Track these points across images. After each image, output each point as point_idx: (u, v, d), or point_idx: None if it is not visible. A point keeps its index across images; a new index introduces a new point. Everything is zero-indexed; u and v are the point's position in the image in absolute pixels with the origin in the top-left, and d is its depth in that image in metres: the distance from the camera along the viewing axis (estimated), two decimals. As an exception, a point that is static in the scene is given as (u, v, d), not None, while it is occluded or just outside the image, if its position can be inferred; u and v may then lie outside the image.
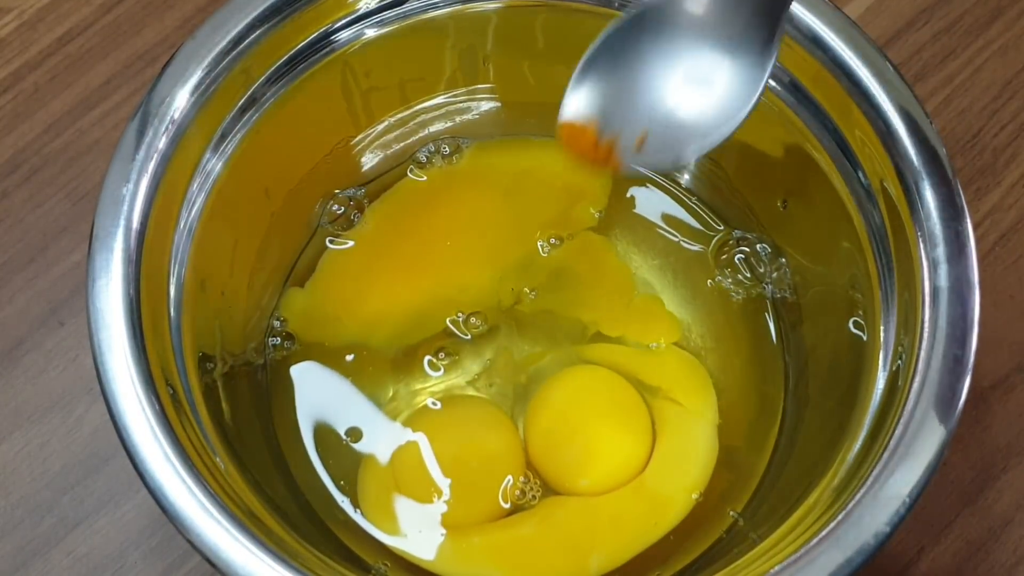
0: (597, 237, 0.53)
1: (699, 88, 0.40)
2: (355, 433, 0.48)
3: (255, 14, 0.42)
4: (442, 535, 0.46)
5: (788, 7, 0.37)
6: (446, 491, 0.47)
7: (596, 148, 0.40)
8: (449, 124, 0.54)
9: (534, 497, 0.47)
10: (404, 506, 0.47)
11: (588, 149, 0.40)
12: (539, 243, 0.52)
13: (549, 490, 0.48)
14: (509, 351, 0.50)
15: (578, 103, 0.40)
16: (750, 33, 0.38)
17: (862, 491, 0.36)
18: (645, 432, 0.48)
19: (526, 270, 0.52)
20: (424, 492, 0.47)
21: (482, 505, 0.47)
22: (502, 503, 0.47)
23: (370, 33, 0.47)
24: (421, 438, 0.48)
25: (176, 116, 0.41)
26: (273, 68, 0.45)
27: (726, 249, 0.52)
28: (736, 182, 0.51)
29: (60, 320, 0.54)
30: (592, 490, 0.47)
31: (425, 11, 0.47)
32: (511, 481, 0.47)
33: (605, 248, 0.52)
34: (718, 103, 0.39)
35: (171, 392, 0.38)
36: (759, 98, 0.39)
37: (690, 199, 0.53)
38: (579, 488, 0.47)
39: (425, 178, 0.53)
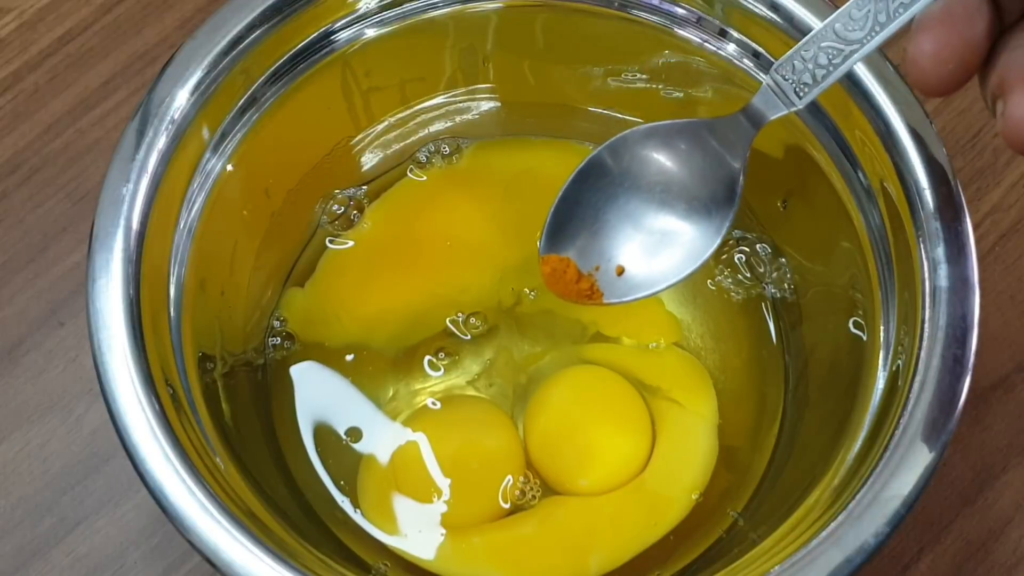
0: None
1: (667, 231, 0.41)
2: (355, 433, 0.48)
3: (255, 14, 0.42)
4: (442, 535, 0.46)
5: (743, 176, 0.39)
6: (446, 491, 0.47)
7: (577, 284, 0.42)
8: (449, 124, 0.54)
9: (534, 497, 0.47)
10: (404, 506, 0.47)
11: (569, 284, 0.42)
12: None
13: (549, 490, 0.47)
14: (509, 351, 0.50)
15: (554, 243, 0.42)
16: (715, 187, 0.40)
17: (862, 491, 0.36)
18: (645, 432, 0.48)
19: (526, 270, 0.52)
20: (424, 492, 0.47)
21: (482, 505, 0.47)
22: (502, 503, 0.47)
23: (370, 33, 0.47)
24: (421, 438, 0.48)
25: (176, 116, 0.41)
26: (273, 68, 0.45)
27: (726, 249, 0.52)
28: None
29: (60, 320, 0.54)
30: (592, 490, 0.47)
31: (425, 11, 0.47)
32: (511, 481, 0.47)
33: None
34: (685, 244, 0.41)
35: (171, 392, 0.38)
36: (721, 240, 0.41)
37: (690, 199, 0.53)
38: (579, 488, 0.47)
39: (425, 178, 0.53)
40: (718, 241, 0.41)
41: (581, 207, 0.42)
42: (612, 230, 0.42)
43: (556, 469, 0.47)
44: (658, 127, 0.40)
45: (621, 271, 0.42)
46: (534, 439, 0.48)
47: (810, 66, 0.36)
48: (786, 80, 0.36)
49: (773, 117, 0.37)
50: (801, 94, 0.36)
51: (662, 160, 0.41)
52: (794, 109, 0.37)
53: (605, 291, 0.42)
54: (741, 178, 0.40)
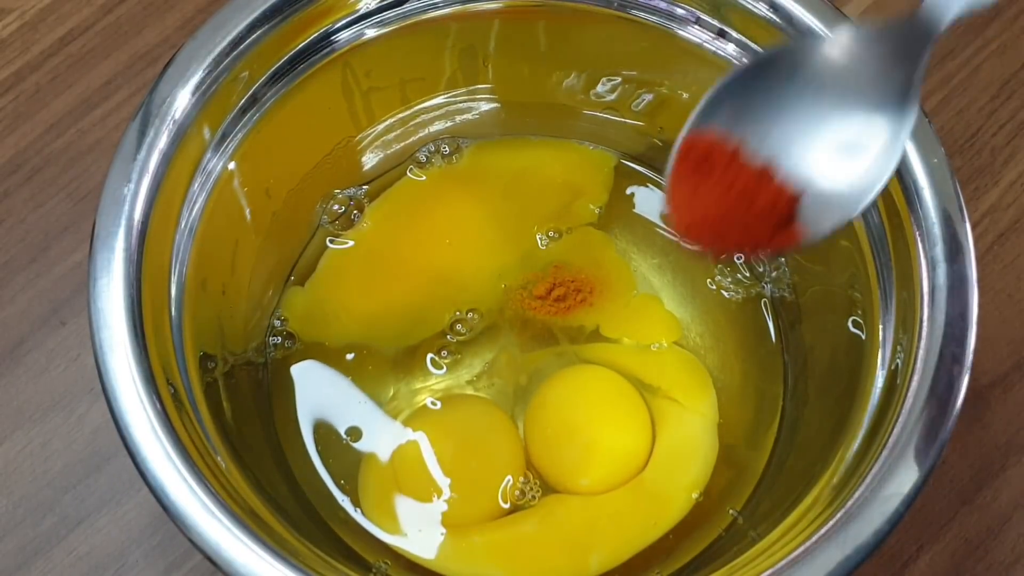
0: (597, 232, 0.53)
1: (836, 151, 0.35)
2: (355, 432, 0.49)
3: (255, 14, 0.42)
4: (442, 534, 0.46)
5: (928, 50, 0.32)
6: (446, 490, 0.47)
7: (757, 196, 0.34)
8: (449, 124, 0.54)
9: (533, 497, 0.47)
10: (405, 505, 0.47)
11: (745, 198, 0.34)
12: (538, 236, 0.52)
13: (549, 489, 0.48)
14: (509, 351, 0.50)
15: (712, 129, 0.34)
16: (886, 81, 0.34)
17: (861, 489, 0.36)
18: (645, 431, 0.48)
19: (525, 265, 0.52)
20: (425, 491, 0.47)
21: (482, 504, 0.47)
22: (501, 503, 0.47)
23: (370, 33, 0.47)
24: (422, 437, 0.48)
25: (177, 116, 0.41)
26: (273, 68, 0.45)
27: (725, 248, 0.52)
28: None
29: (62, 319, 0.54)
30: (592, 489, 0.47)
31: (425, 11, 0.47)
32: (511, 481, 0.47)
33: (604, 243, 0.52)
34: (858, 167, 0.35)
35: (172, 391, 0.38)
36: (900, 158, 0.35)
37: (690, 198, 0.53)
38: (579, 487, 0.47)
39: (425, 178, 0.54)
40: (899, 155, 0.35)
41: (722, 130, 0.34)
42: (776, 152, 0.34)
43: (556, 468, 0.47)
44: (805, 44, 0.34)
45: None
46: (534, 438, 0.48)
47: None
48: None
49: (961, 12, 0.30)
50: None
51: (831, 73, 0.34)
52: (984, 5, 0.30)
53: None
54: (918, 87, 0.33)
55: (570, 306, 0.51)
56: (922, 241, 0.39)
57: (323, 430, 0.49)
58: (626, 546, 0.46)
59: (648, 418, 0.48)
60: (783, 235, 0.33)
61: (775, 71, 0.35)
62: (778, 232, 0.33)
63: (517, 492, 0.47)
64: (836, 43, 0.34)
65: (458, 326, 0.51)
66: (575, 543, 0.46)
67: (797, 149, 0.34)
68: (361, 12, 0.46)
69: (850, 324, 0.44)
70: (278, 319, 0.51)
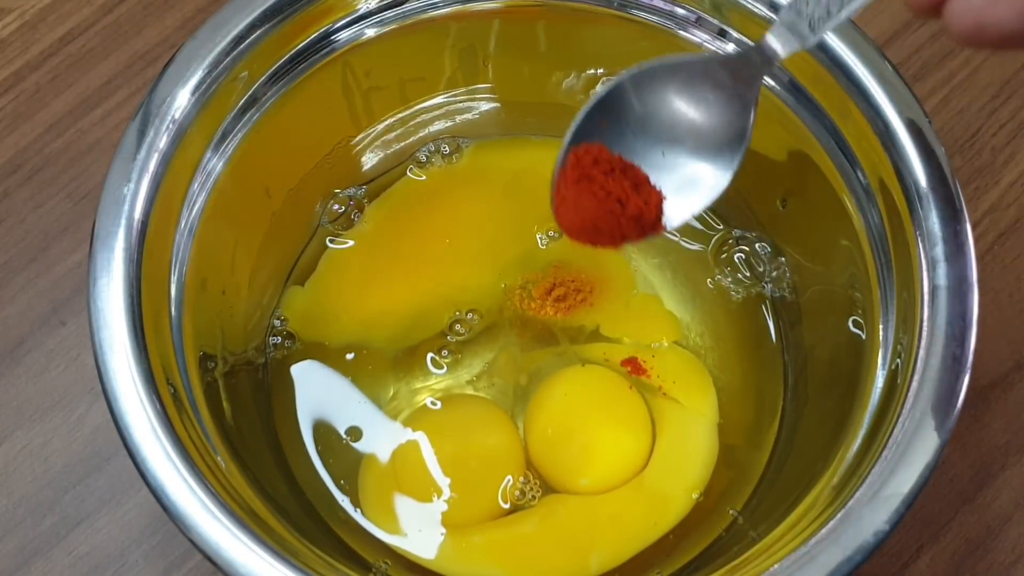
0: None
1: (678, 167, 0.40)
2: (355, 432, 0.49)
3: (255, 14, 0.43)
4: (442, 534, 0.46)
5: (760, 79, 0.38)
6: (446, 490, 0.47)
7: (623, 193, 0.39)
8: (449, 124, 0.54)
9: (533, 497, 0.47)
10: (404, 505, 0.47)
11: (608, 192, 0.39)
12: (538, 235, 0.52)
13: (549, 489, 0.48)
14: (509, 351, 0.50)
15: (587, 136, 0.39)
16: (733, 100, 0.39)
17: (861, 489, 0.36)
18: (645, 431, 0.48)
19: (526, 264, 0.52)
20: (424, 491, 0.47)
21: (482, 504, 0.47)
22: (501, 503, 0.47)
23: (370, 33, 0.47)
24: (422, 437, 0.48)
25: (177, 116, 0.41)
26: (273, 68, 0.45)
27: (726, 248, 0.52)
28: (736, 181, 0.51)
29: (61, 319, 0.54)
30: (592, 489, 0.47)
31: (425, 11, 0.47)
32: (511, 481, 0.47)
33: None
34: (696, 181, 0.39)
35: (172, 391, 0.38)
36: (732, 177, 0.39)
37: (690, 198, 0.53)
38: (579, 487, 0.47)
39: (424, 177, 0.54)
40: (729, 177, 0.40)
41: (595, 136, 0.39)
42: (635, 156, 0.39)
43: (556, 468, 0.47)
44: (669, 62, 0.39)
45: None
46: (534, 438, 0.48)
47: (823, 1, 0.35)
48: (800, 16, 0.35)
49: (786, 54, 0.36)
50: (815, 28, 0.35)
51: (672, 96, 0.39)
52: (807, 45, 0.36)
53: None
54: (752, 114, 0.38)
55: (570, 306, 0.51)
56: (922, 241, 0.39)
57: (323, 430, 0.49)
58: (626, 546, 0.46)
59: (648, 418, 0.48)
60: (652, 230, 0.39)
61: (642, 88, 0.39)
62: (647, 229, 0.39)
63: (517, 492, 0.47)
64: (696, 64, 0.39)
65: (458, 326, 0.51)
66: (575, 543, 0.46)
67: (662, 155, 0.39)
68: (361, 12, 0.46)
69: (850, 324, 0.44)
70: (278, 319, 0.51)
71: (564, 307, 0.51)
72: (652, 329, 0.51)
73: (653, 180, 0.39)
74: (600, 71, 0.51)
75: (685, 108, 0.39)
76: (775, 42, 0.37)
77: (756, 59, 0.37)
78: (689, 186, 0.40)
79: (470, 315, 0.51)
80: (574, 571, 0.46)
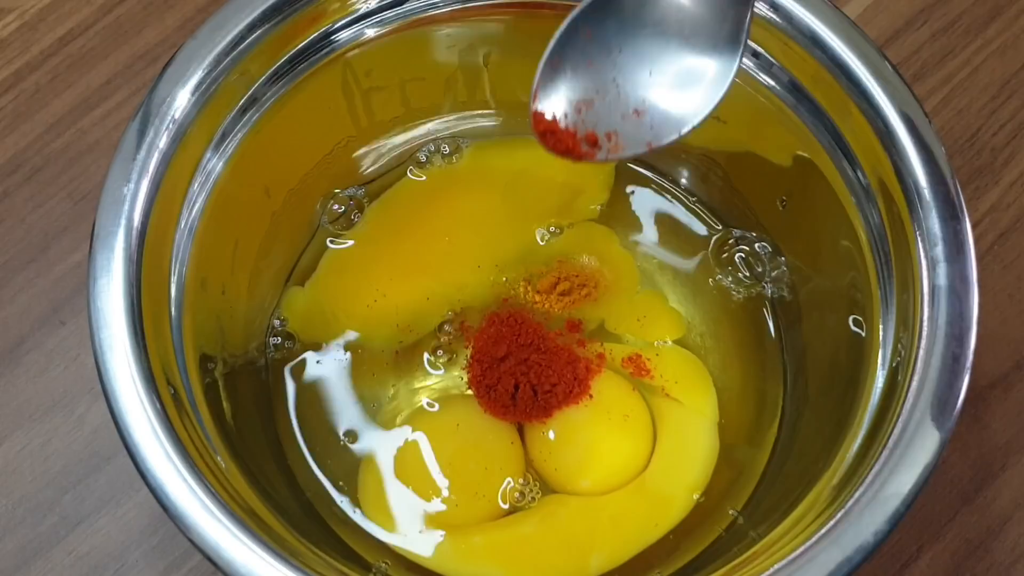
0: (598, 227, 0.53)
1: (671, 77, 0.39)
2: (355, 433, 0.49)
3: (255, 14, 0.42)
4: (442, 534, 0.46)
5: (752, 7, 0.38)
6: (446, 491, 0.47)
7: (572, 137, 0.39)
8: (449, 124, 0.54)
9: (533, 499, 0.47)
10: (404, 506, 0.47)
11: (565, 137, 0.39)
12: (538, 231, 0.52)
13: (549, 490, 0.48)
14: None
15: (550, 92, 0.39)
16: (719, 23, 0.38)
17: (861, 489, 0.36)
18: (646, 432, 0.48)
19: (527, 261, 0.52)
20: (424, 492, 0.47)
21: (481, 506, 0.47)
22: (501, 504, 0.47)
23: (370, 33, 0.47)
24: (421, 438, 0.48)
25: (177, 116, 0.41)
26: (273, 68, 0.45)
27: (726, 248, 0.52)
28: (735, 182, 0.51)
29: (61, 319, 0.54)
30: (593, 491, 0.47)
31: (425, 11, 0.47)
32: (511, 483, 0.47)
33: (607, 238, 0.52)
34: (699, 82, 0.39)
35: (172, 391, 0.38)
36: (730, 86, 0.39)
37: (689, 199, 0.53)
38: (580, 489, 0.47)
39: (424, 178, 0.53)
40: (732, 75, 0.39)
41: (578, 50, 0.39)
42: (621, 71, 0.39)
43: (557, 470, 0.47)
44: None
45: (638, 114, 0.39)
46: (534, 439, 0.48)
47: None
48: None
49: None
50: None
51: (672, 14, 0.39)
52: None
53: (623, 143, 0.39)
54: (747, 29, 0.38)
55: (575, 300, 0.51)
56: (922, 241, 0.39)
57: (322, 430, 0.49)
58: (627, 546, 0.46)
59: (649, 419, 0.48)
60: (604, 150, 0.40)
61: (621, 8, 0.39)
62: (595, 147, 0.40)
63: (517, 494, 0.47)
64: None
65: (457, 325, 0.51)
66: (576, 543, 0.46)
67: (640, 76, 0.39)
68: (361, 12, 0.46)
69: (851, 324, 0.44)
70: (278, 319, 0.51)
71: (569, 301, 0.51)
72: (656, 326, 0.51)
73: (643, 94, 0.39)
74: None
75: (676, 7, 0.39)
76: None
77: None
78: (689, 84, 0.39)
79: (470, 314, 0.51)
80: (575, 571, 0.46)
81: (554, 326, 0.50)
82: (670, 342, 0.50)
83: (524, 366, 0.48)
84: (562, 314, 0.51)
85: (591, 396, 0.48)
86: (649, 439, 0.48)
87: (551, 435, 0.48)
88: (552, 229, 0.52)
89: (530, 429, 0.48)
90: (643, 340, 0.50)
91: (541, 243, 0.52)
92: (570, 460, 0.47)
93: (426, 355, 0.50)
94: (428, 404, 0.49)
